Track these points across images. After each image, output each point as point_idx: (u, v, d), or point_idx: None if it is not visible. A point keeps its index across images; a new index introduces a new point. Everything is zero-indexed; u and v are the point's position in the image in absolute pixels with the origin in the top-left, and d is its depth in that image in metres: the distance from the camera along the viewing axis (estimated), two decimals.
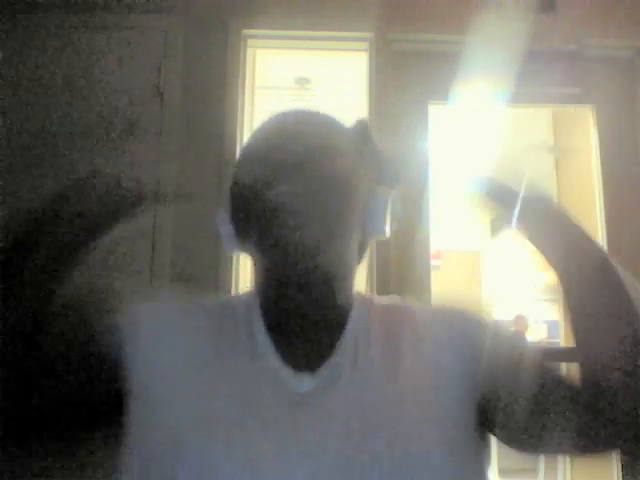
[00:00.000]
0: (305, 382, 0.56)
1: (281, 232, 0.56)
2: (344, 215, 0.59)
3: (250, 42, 1.73)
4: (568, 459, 1.84)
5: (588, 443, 0.55)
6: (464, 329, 0.61)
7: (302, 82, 2.67)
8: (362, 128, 0.68)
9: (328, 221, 0.57)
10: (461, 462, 0.53)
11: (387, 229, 0.65)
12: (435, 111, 1.72)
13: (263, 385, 0.56)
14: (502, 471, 3.81)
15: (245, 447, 0.50)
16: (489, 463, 0.60)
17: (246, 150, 0.65)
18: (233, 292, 1.58)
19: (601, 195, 1.70)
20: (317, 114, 0.66)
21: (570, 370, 0.57)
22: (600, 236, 1.69)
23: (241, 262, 1.64)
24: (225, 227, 0.64)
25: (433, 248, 1.69)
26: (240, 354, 0.58)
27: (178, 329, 0.60)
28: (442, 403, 0.56)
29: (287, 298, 0.60)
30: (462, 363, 0.58)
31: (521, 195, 0.59)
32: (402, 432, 0.52)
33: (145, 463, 0.52)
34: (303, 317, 0.60)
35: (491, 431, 0.58)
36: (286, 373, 0.57)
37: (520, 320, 6.43)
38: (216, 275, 1.57)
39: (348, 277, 0.63)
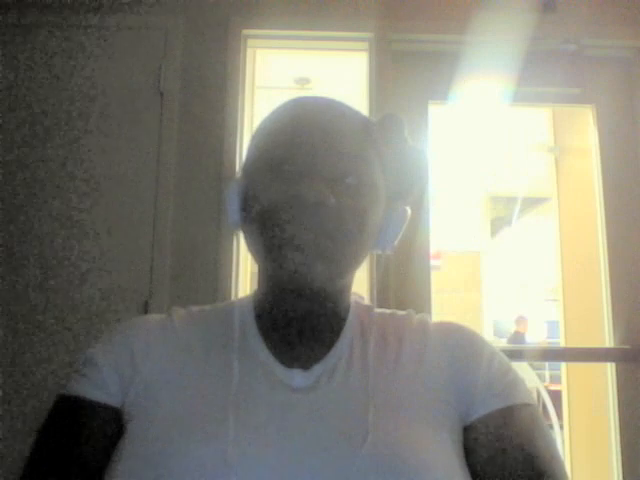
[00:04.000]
0: (297, 378, 0.56)
1: (290, 226, 0.53)
2: (362, 220, 0.56)
3: (250, 42, 1.73)
4: (568, 460, 1.83)
5: None
6: (462, 340, 0.61)
7: (302, 82, 2.68)
8: (391, 124, 0.61)
9: (344, 225, 0.55)
10: (455, 466, 0.52)
11: (392, 247, 0.63)
12: (435, 111, 1.72)
13: (255, 380, 0.55)
14: None
15: (236, 445, 0.49)
16: None
17: (272, 128, 0.60)
18: (232, 293, 1.58)
19: (601, 195, 1.70)
20: (347, 108, 0.61)
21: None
22: (600, 236, 1.69)
23: (241, 263, 1.64)
24: (234, 201, 0.60)
25: (433, 248, 1.69)
26: (231, 353, 0.58)
27: (165, 337, 0.60)
28: (437, 408, 0.55)
29: (284, 298, 0.58)
30: (457, 372, 0.58)
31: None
32: (396, 435, 0.51)
33: (134, 468, 0.50)
34: (298, 322, 0.59)
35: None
36: (278, 368, 0.57)
37: (520, 321, 6.43)
38: (216, 276, 1.57)
39: (348, 285, 0.63)
